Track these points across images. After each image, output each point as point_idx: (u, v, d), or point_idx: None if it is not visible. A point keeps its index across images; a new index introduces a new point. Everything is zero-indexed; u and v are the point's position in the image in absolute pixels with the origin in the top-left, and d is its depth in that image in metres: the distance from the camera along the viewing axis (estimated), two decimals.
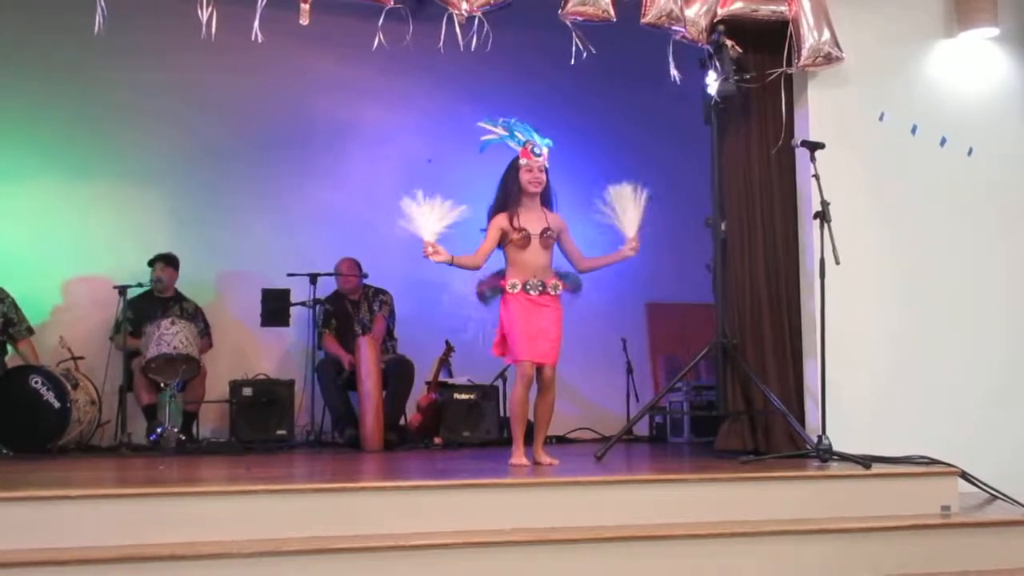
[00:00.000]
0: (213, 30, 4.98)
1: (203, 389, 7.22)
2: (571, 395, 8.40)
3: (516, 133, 5.27)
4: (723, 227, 5.89)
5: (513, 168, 5.30)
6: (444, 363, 7.57)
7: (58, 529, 3.67)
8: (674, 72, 5.57)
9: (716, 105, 5.83)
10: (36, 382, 6.47)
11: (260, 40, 5.06)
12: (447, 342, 7.58)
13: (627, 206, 5.34)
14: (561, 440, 7.88)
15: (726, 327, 5.77)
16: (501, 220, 5.23)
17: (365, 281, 7.64)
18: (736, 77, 5.73)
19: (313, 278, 7.36)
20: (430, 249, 5.01)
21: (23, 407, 6.39)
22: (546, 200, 5.33)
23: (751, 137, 6.02)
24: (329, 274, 7.51)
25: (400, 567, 3.73)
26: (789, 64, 5.79)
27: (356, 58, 7.77)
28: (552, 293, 5.21)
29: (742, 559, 4.01)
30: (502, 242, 5.23)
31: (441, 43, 5.30)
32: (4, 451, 6.41)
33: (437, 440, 7.10)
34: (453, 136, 8.44)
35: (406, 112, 8.43)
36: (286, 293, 7.34)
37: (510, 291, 5.16)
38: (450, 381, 7.48)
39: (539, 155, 5.25)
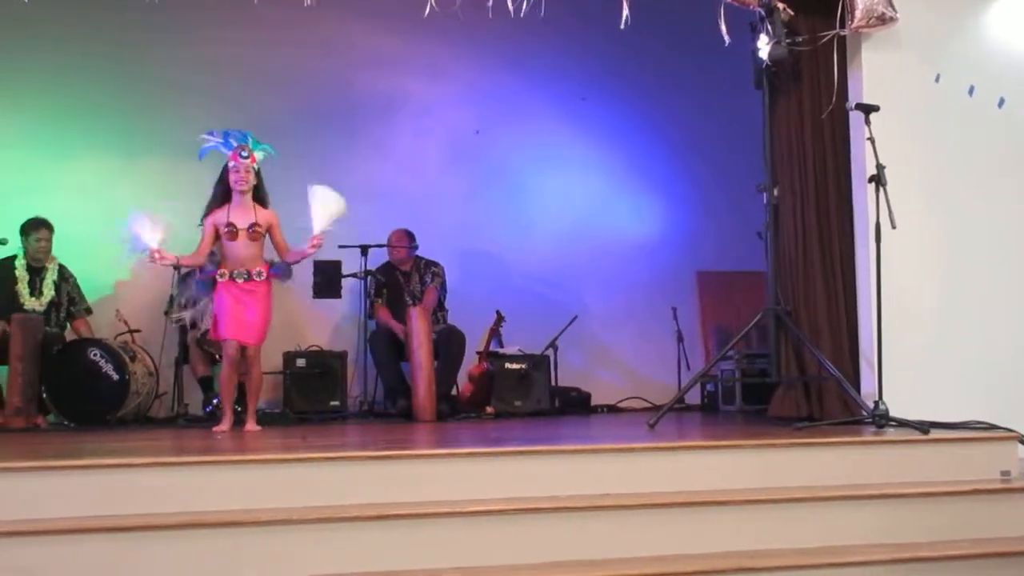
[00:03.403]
0: None
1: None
2: (621, 364, 8.41)
3: (230, 140, 5.78)
4: (775, 192, 5.82)
5: (224, 170, 5.82)
6: (495, 333, 7.59)
7: (120, 497, 3.72)
8: (725, 36, 5.50)
9: (767, 69, 5.76)
10: (95, 355, 6.58)
11: (309, 4, 5.06)
12: (498, 312, 7.59)
13: (317, 206, 5.80)
14: (612, 409, 7.90)
15: (779, 293, 5.72)
16: (212, 218, 5.81)
17: (416, 252, 7.67)
18: (788, 40, 5.64)
19: (364, 249, 7.42)
20: (157, 255, 5.57)
21: (83, 380, 6.52)
22: (258, 197, 5.87)
23: (803, 101, 5.94)
24: (380, 245, 7.55)
25: (456, 533, 3.75)
26: (842, 26, 5.70)
27: (402, 30, 7.81)
28: (256, 279, 5.74)
29: (798, 525, 3.98)
30: (217, 236, 5.80)
31: (490, 12, 5.26)
32: (65, 423, 6.54)
33: (488, 410, 7.14)
34: (500, 108, 8.47)
35: (452, 84, 8.44)
36: (337, 265, 7.40)
37: (219, 279, 5.74)
38: (501, 351, 7.50)
39: (246, 158, 5.76)
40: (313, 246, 5.79)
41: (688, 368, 7.96)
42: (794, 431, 4.83)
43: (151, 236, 5.55)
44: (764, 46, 5.67)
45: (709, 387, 7.95)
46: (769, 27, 5.64)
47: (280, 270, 5.92)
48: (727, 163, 8.14)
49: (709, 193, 8.54)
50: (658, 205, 8.77)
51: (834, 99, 5.71)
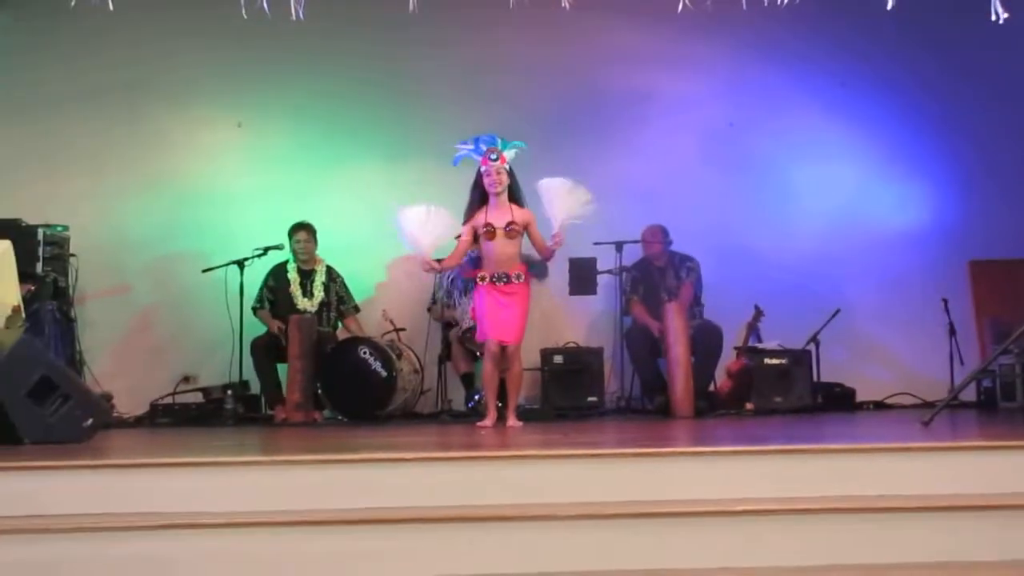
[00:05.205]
0: None
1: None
2: (887, 359, 8.05)
3: (480, 145, 5.97)
4: None
5: (478, 175, 5.99)
6: (753, 328, 7.42)
7: (390, 490, 3.85)
8: (1001, 12, 5.15)
9: None
10: (365, 352, 6.91)
11: (567, 6, 5.10)
12: (756, 306, 7.42)
13: (554, 199, 5.94)
14: (879, 405, 7.59)
15: None
16: (472, 222, 5.99)
17: (671, 248, 7.62)
18: None
19: (619, 246, 7.45)
20: (426, 267, 6.01)
21: (354, 377, 6.86)
22: (514, 198, 6.01)
23: None
24: (635, 241, 7.56)
25: (721, 533, 3.68)
26: None
27: (652, 25, 7.76)
28: (516, 282, 5.90)
29: None
30: (476, 239, 6.02)
31: (744, 3, 5.17)
32: (339, 417, 6.90)
33: (748, 406, 7.01)
34: (753, 99, 8.28)
35: (704, 77, 8.34)
36: (593, 262, 7.45)
37: (479, 282, 5.96)
38: (760, 346, 7.33)
39: (495, 160, 5.91)
40: (556, 243, 5.95)
41: (961, 363, 7.52)
42: None
43: (423, 238, 5.89)
44: None
45: (986, 383, 7.48)
46: None
47: (537, 271, 6.07)
48: (997, 145, 7.66)
49: (978, 178, 8.03)
50: (923, 192, 8.32)
51: None
